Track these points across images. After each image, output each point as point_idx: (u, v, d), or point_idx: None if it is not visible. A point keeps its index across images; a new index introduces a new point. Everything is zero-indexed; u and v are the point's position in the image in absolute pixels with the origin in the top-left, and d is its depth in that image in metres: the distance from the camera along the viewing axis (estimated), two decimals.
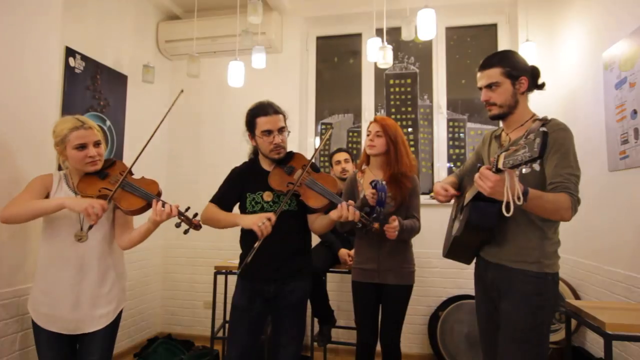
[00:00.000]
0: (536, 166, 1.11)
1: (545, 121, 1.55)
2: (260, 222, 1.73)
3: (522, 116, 1.64)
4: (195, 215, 1.74)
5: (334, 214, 1.80)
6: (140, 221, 1.78)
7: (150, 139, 1.78)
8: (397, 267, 2.14)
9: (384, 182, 1.92)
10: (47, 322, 1.69)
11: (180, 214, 1.69)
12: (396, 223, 2.01)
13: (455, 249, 1.74)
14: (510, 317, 1.55)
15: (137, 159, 1.76)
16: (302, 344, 2.00)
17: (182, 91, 1.89)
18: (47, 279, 1.69)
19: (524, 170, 1.13)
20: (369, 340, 2.19)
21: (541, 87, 1.66)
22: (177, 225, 1.69)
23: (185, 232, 1.71)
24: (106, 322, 1.74)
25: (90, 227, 1.62)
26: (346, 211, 1.76)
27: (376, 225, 1.87)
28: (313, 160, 1.95)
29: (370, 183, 1.96)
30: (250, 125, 1.95)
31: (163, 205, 1.66)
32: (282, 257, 1.92)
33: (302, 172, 1.87)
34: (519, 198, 1.24)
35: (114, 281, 1.79)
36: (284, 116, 1.97)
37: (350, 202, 1.81)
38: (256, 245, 1.74)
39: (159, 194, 1.74)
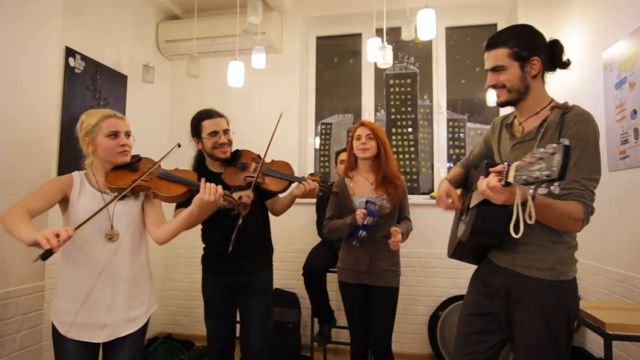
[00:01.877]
0: (555, 188, 0.91)
1: (565, 109, 1.34)
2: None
3: (537, 102, 1.41)
4: (240, 197, 1.76)
5: (296, 191, 1.98)
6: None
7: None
8: (387, 270, 2.16)
9: (377, 208, 2.05)
10: (77, 332, 1.56)
11: (225, 194, 1.64)
12: (399, 237, 2.07)
13: (461, 252, 1.63)
14: (524, 331, 1.38)
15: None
16: (270, 325, 2.09)
17: (178, 145, 1.88)
18: (75, 285, 1.57)
19: (540, 191, 0.95)
20: (361, 340, 2.21)
21: (565, 65, 1.41)
22: (226, 207, 1.71)
23: (236, 216, 1.79)
24: (139, 325, 1.65)
25: (50, 252, 1.27)
26: (308, 185, 1.95)
27: (335, 190, 2.15)
28: (267, 149, 2.04)
29: (366, 203, 2.06)
30: (197, 129, 2.05)
31: None
32: (252, 246, 2.01)
33: (260, 163, 1.99)
34: (530, 217, 1.08)
35: (145, 281, 1.71)
36: (227, 120, 2.09)
37: (307, 177, 1.98)
38: (240, 222, 1.80)
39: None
